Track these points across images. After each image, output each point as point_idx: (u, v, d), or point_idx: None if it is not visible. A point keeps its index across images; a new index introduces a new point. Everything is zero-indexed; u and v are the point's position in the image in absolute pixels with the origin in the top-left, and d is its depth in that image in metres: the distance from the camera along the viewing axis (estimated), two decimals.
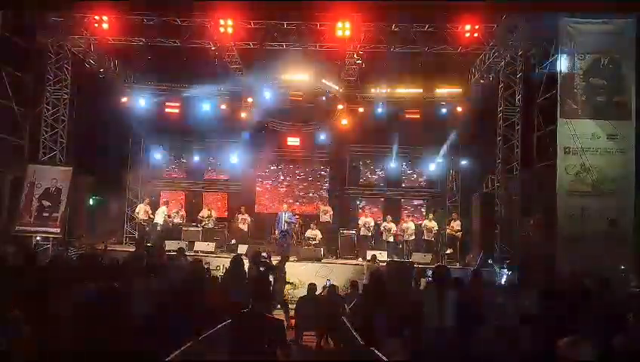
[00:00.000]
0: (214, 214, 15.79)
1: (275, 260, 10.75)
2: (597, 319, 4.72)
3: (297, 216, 15.68)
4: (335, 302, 8.70)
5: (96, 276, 5.88)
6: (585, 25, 11.00)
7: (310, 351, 8.01)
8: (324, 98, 15.58)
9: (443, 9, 11.31)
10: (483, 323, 4.91)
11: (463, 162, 16.82)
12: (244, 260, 8.77)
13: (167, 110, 16.31)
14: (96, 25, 12.40)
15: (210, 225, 15.33)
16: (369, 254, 12.77)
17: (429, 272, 9.39)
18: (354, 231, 15.28)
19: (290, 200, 17.85)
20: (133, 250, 11.95)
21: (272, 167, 18.49)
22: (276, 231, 14.86)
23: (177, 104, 16.28)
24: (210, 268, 11.47)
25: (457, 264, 13.80)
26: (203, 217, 15.41)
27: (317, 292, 9.22)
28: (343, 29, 11.57)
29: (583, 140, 10.82)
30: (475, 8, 11.40)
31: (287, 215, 14.85)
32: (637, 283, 9.81)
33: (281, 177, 18.46)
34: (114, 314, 4.33)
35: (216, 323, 5.45)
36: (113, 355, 4.02)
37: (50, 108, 13.76)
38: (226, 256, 12.92)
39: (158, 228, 14.73)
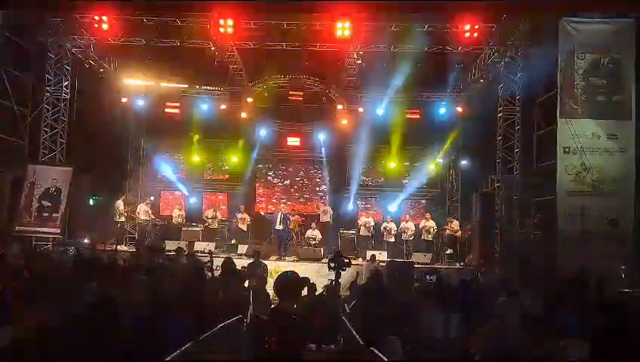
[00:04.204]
0: (219, 215, 15.78)
1: (271, 260, 10.74)
2: (596, 319, 4.72)
3: (296, 217, 15.70)
4: (335, 302, 8.69)
5: (95, 276, 5.88)
6: (585, 25, 11.00)
7: (311, 352, 7.99)
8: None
9: (443, 9, 11.30)
10: (483, 324, 4.91)
11: (463, 162, 16.83)
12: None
13: (167, 110, 16.32)
14: (96, 25, 12.42)
15: (214, 226, 15.32)
16: (369, 254, 12.77)
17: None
18: (354, 231, 15.29)
19: (291, 201, 17.89)
20: (132, 250, 11.98)
21: (271, 167, 18.51)
22: (272, 231, 14.98)
23: (177, 104, 16.30)
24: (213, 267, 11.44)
25: (457, 264, 13.81)
26: (207, 217, 15.40)
27: (317, 293, 9.21)
28: (343, 28, 11.57)
29: (582, 140, 10.82)
30: (475, 8, 11.40)
31: (282, 215, 14.95)
32: (637, 284, 9.80)
33: (282, 177, 18.48)
34: (114, 314, 4.34)
35: (216, 323, 5.45)
36: (113, 355, 4.02)
37: (50, 108, 13.74)
38: (226, 256, 12.92)
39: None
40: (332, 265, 8.58)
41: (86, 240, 13.97)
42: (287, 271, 3.80)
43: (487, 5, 11.26)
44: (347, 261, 8.97)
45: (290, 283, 3.68)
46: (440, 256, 14.55)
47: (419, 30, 12.38)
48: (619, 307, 5.02)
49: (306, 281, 3.85)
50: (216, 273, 9.07)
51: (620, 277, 9.77)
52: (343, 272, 7.08)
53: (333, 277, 7.39)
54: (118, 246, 13.27)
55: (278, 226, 14.64)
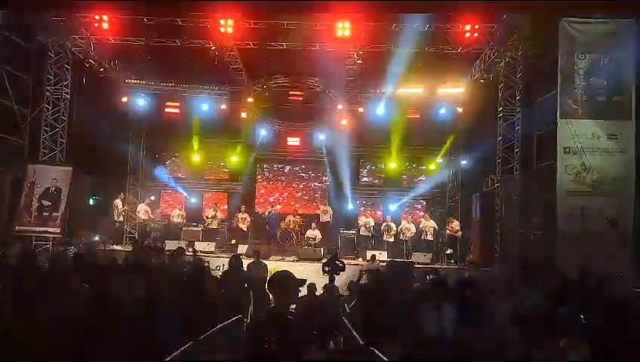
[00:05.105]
0: (219, 215, 15.80)
1: (272, 260, 10.73)
2: (595, 319, 4.73)
3: (297, 217, 15.71)
4: (335, 302, 8.68)
5: (95, 276, 5.88)
6: (585, 25, 11.00)
7: (311, 352, 7.98)
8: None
9: (443, 9, 11.30)
10: (481, 324, 4.91)
11: (463, 162, 16.82)
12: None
13: (167, 110, 16.33)
14: (96, 25, 12.42)
15: (214, 225, 15.34)
16: (369, 254, 12.77)
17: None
18: (354, 231, 15.29)
19: (291, 200, 17.91)
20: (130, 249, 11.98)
21: (271, 167, 18.52)
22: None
23: (177, 104, 16.30)
24: (211, 267, 11.45)
25: (457, 264, 13.81)
26: (207, 217, 15.42)
27: (317, 293, 9.20)
28: (343, 28, 11.57)
29: (582, 140, 10.82)
30: (475, 8, 11.40)
31: (269, 215, 15.30)
32: (637, 284, 9.80)
33: (282, 177, 18.49)
34: (113, 314, 4.33)
35: (216, 323, 5.45)
36: (113, 355, 4.02)
37: (50, 108, 13.73)
38: (226, 256, 12.92)
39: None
40: (326, 269, 8.56)
41: (96, 238, 14.00)
42: (285, 270, 3.80)
43: (487, 5, 11.25)
44: (341, 265, 8.94)
45: (284, 281, 3.65)
46: (440, 256, 14.55)
47: (419, 30, 12.38)
48: (619, 306, 5.03)
49: (301, 282, 3.79)
50: (215, 273, 9.07)
51: (623, 276, 9.75)
52: (337, 276, 7.05)
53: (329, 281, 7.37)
54: (118, 246, 13.29)
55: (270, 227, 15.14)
